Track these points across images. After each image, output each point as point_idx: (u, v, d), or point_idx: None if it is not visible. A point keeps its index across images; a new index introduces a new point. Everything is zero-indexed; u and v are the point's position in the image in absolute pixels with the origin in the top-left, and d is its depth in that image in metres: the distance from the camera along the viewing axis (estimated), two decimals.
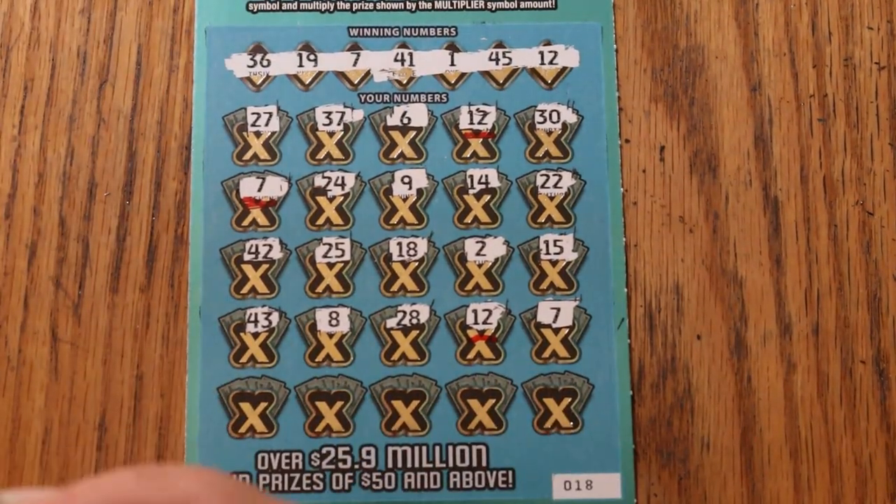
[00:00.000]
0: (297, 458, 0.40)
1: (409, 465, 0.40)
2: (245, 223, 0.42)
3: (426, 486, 0.40)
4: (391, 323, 0.41)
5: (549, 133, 0.43)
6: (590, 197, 0.42)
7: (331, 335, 0.41)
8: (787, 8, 0.44)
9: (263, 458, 0.40)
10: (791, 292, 0.42)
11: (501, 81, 0.43)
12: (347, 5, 0.44)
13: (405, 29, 0.44)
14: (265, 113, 0.43)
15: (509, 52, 0.44)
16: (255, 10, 0.44)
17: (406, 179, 0.42)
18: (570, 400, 0.41)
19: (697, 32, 0.44)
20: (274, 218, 0.42)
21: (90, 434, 0.40)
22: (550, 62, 0.44)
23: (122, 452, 0.40)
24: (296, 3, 0.44)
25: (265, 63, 0.43)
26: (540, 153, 0.43)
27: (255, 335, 0.41)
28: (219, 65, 0.43)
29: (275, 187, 0.42)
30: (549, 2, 0.44)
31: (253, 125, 0.43)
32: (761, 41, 0.44)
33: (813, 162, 0.43)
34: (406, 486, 0.40)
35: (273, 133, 0.43)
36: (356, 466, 0.40)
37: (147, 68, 0.43)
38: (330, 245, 0.42)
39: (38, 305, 0.41)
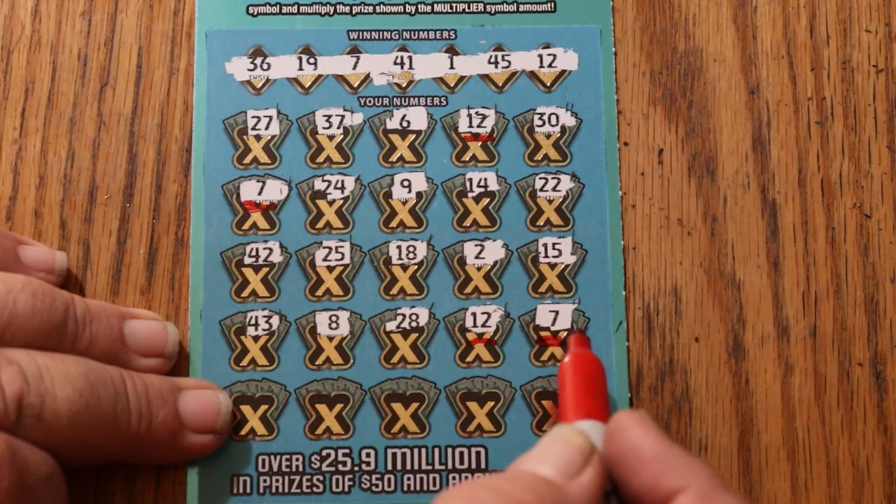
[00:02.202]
0: (297, 460, 0.40)
1: (408, 467, 0.40)
2: (245, 227, 0.42)
3: (425, 487, 0.40)
4: (391, 326, 0.41)
5: (548, 136, 0.43)
6: (588, 200, 0.43)
7: (331, 338, 0.41)
8: (785, 11, 0.44)
9: (264, 460, 0.40)
10: (789, 295, 0.42)
11: (500, 84, 0.43)
12: (347, 8, 0.44)
13: (404, 32, 0.44)
14: (265, 116, 0.43)
15: (508, 55, 0.44)
16: (255, 13, 0.44)
17: (405, 183, 0.43)
18: None
19: (696, 35, 0.44)
20: (274, 221, 0.42)
21: None
22: (549, 65, 0.44)
23: None
24: (295, 7, 0.44)
25: (265, 66, 0.43)
26: (539, 156, 0.43)
27: (256, 338, 0.41)
28: (219, 68, 0.43)
29: (275, 191, 0.42)
30: (548, 5, 0.44)
31: (253, 128, 0.43)
32: (759, 44, 0.44)
33: (811, 165, 0.43)
34: (405, 488, 0.40)
35: (273, 136, 0.43)
36: (356, 468, 0.40)
37: (147, 71, 0.44)
38: (330, 248, 0.42)
39: None
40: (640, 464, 0.32)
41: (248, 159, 0.43)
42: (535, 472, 0.32)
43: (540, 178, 0.43)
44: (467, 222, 0.42)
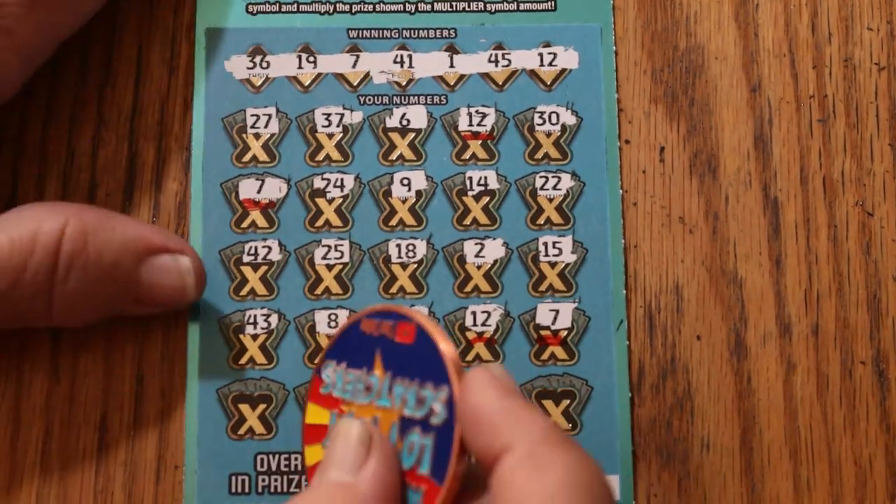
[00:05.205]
0: (296, 459, 0.40)
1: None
2: (244, 225, 0.42)
3: None
4: None
5: (549, 135, 0.43)
6: (589, 198, 0.42)
7: (330, 337, 0.41)
8: (786, 9, 0.44)
9: (262, 459, 0.40)
10: (791, 293, 0.42)
11: (501, 83, 0.43)
12: (347, 7, 0.44)
13: (404, 31, 0.44)
14: (264, 115, 0.43)
15: (508, 53, 0.44)
16: (255, 11, 0.44)
17: (405, 181, 0.42)
18: (568, 402, 0.41)
19: (697, 33, 0.44)
20: (273, 220, 0.42)
21: (90, 434, 0.41)
22: (550, 64, 0.43)
23: (123, 452, 0.40)
24: (295, 5, 0.44)
25: (264, 65, 0.43)
26: (539, 155, 0.43)
27: (255, 337, 0.41)
28: (218, 66, 0.43)
29: (274, 189, 0.42)
30: (549, 3, 0.44)
31: (252, 127, 0.43)
32: (761, 42, 0.44)
33: (813, 162, 0.43)
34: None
35: (272, 135, 0.43)
36: None
37: (147, 69, 0.43)
38: (329, 247, 0.42)
39: None
40: (477, 425, 0.31)
41: (247, 157, 0.43)
42: (328, 478, 0.32)
43: (540, 177, 0.43)
44: (467, 221, 0.42)
